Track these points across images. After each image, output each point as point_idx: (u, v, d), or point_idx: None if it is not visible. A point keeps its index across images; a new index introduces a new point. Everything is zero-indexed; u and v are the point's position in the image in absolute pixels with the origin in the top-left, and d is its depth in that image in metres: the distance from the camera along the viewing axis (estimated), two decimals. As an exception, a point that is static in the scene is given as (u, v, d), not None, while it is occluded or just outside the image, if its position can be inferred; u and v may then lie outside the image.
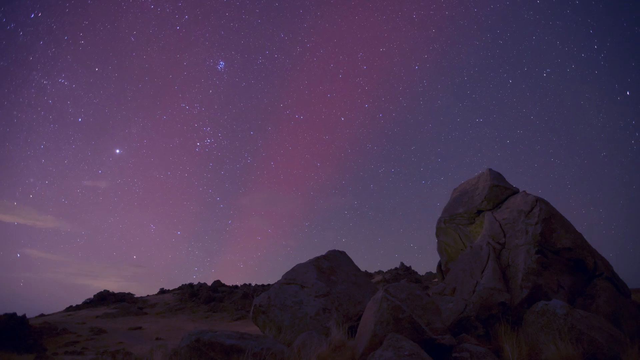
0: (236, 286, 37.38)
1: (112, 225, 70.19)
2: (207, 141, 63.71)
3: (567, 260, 7.06)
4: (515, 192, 8.68)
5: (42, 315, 28.77)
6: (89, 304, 31.90)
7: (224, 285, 36.93)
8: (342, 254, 8.74)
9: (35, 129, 58.08)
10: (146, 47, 59.73)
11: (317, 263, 7.73)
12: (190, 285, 36.90)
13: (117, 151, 62.53)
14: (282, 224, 76.90)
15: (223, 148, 71.05)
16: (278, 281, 7.56)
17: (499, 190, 8.64)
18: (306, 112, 68.29)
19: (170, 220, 75.91)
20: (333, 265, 7.89)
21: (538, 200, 7.55)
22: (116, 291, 34.59)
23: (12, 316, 17.24)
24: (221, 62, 60.84)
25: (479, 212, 8.91)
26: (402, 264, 35.71)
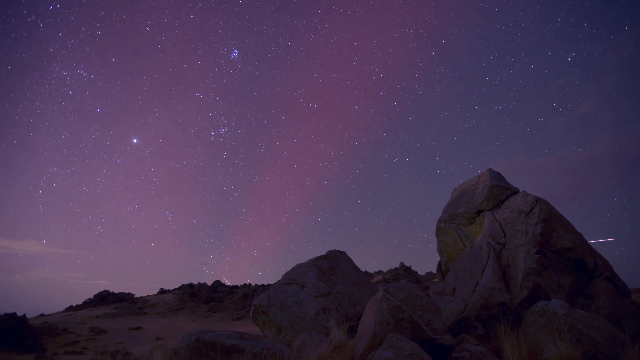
0: (236, 286, 37.39)
1: (131, 213, 70.92)
2: (222, 130, 63.96)
3: (567, 260, 7.06)
4: (515, 192, 8.68)
5: (42, 315, 28.77)
6: (89, 304, 31.91)
7: (224, 285, 36.95)
8: (342, 254, 8.74)
9: (56, 119, 58.96)
10: (161, 37, 59.79)
11: (317, 263, 7.73)
12: (190, 285, 36.91)
13: (135, 141, 63.27)
14: (296, 213, 76.97)
15: (237, 137, 71.22)
16: (278, 281, 7.56)
17: (499, 190, 8.65)
18: (320, 101, 67.70)
19: (186, 208, 76.51)
20: (333, 266, 7.89)
21: (538, 200, 7.55)
22: (116, 291, 34.60)
23: (12, 316, 17.24)
24: (235, 51, 60.76)
25: (479, 212, 8.91)
26: (402, 264, 35.69)
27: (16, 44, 51.69)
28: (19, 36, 51.10)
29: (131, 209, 71.95)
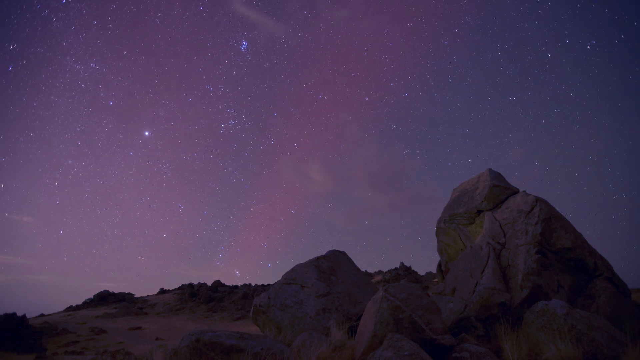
0: (236, 286, 37.41)
1: (143, 205, 71.44)
2: (232, 123, 64.26)
3: (567, 260, 7.06)
4: (515, 192, 8.68)
5: (42, 315, 28.77)
6: (89, 304, 31.90)
7: (224, 285, 36.97)
8: (342, 254, 8.74)
9: (71, 112, 59.86)
10: (171, 29, 59.69)
11: (317, 263, 7.73)
12: (190, 285, 36.91)
13: (146, 133, 63.89)
14: (305, 205, 77.08)
15: (247, 129, 71.22)
16: (278, 281, 7.56)
17: (499, 190, 8.64)
18: (329, 92, 66.88)
19: (197, 200, 76.92)
20: (333, 266, 7.89)
21: (538, 200, 7.55)
22: (116, 291, 34.60)
23: (12, 316, 17.24)
24: (244, 43, 60.65)
25: (479, 212, 8.90)
26: (402, 264, 35.70)
27: (31, 38, 52.23)
28: (33, 30, 51.62)
29: (144, 201, 72.96)
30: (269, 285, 37.08)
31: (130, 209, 75.46)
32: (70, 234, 72.74)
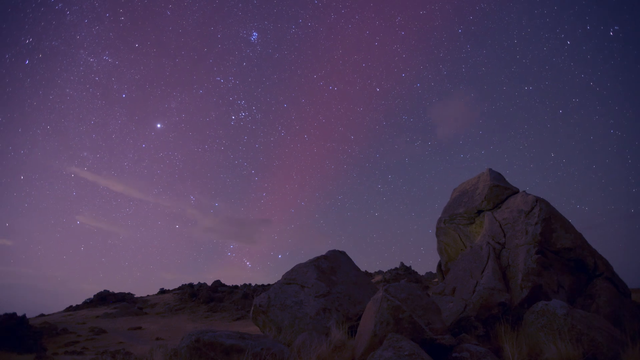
0: (236, 286, 37.44)
1: (156, 196, 71.88)
2: (242, 115, 64.48)
3: (567, 260, 7.06)
4: (515, 192, 8.69)
5: (42, 315, 28.78)
6: (89, 304, 31.90)
7: (224, 285, 37.00)
8: (342, 253, 8.75)
9: (85, 105, 60.78)
10: (181, 21, 59.51)
11: (317, 263, 7.73)
12: (190, 285, 36.95)
13: (158, 126, 64.35)
14: (315, 197, 76.98)
15: (257, 121, 71.25)
16: (278, 281, 7.57)
17: (499, 190, 8.64)
18: (340, 83, 66.04)
19: (208, 192, 77.27)
20: (333, 265, 7.89)
21: (538, 200, 7.55)
22: (116, 291, 34.60)
23: (12, 316, 17.22)
24: (254, 33, 60.41)
25: (479, 212, 8.91)
26: (402, 264, 35.73)
27: (46, 32, 52.60)
28: (47, 24, 52.04)
29: (156, 192, 73.66)
30: (269, 285, 37.13)
31: (144, 200, 76.24)
32: (87, 224, 73.87)
